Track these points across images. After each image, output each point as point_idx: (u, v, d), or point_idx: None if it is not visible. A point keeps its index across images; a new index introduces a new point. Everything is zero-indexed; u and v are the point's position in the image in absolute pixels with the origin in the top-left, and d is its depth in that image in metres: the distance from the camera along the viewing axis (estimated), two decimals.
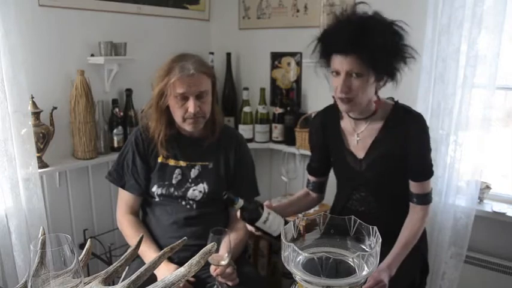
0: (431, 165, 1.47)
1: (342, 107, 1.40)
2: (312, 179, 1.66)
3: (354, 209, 1.54)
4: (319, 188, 1.66)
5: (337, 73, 1.35)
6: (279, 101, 2.47)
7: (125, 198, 1.62)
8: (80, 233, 2.13)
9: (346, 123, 1.52)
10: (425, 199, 1.46)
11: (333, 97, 1.44)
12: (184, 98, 1.46)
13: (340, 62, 1.32)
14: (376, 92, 1.42)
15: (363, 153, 1.48)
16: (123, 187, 1.60)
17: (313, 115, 1.68)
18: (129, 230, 1.58)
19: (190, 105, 1.45)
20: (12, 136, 1.69)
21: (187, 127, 1.51)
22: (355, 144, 1.49)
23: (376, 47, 1.28)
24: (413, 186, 1.46)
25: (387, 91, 1.48)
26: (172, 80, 1.45)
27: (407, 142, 1.42)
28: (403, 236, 1.43)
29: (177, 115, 1.50)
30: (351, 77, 1.32)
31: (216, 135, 1.58)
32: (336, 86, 1.36)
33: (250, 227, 1.36)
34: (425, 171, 1.46)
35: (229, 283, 1.39)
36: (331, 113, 1.56)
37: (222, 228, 1.35)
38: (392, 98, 1.51)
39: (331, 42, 1.35)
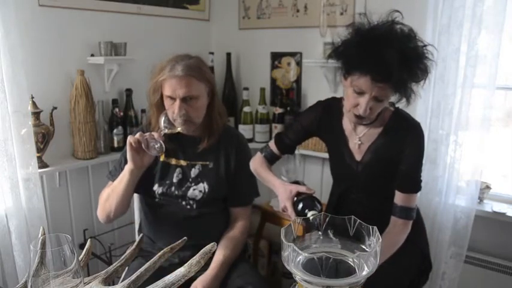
0: (421, 180, 1.45)
1: (352, 119, 1.39)
2: (274, 149, 1.62)
3: (351, 209, 1.54)
4: (273, 160, 1.64)
5: (361, 93, 1.30)
6: (279, 101, 2.47)
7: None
8: (80, 233, 2.13)
9: (346, 123, 1.52)
10: (408, 213, 1.42)
11: (340, 99, 1.44)
12: (172, 99, 1.46)
13: (370, 86, 1.27)
14: None
15: (360, 156, 1.49)
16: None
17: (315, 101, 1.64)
18: (105, 191, 1.57)
19: (176, 108, 1.45)
20: (12, 136, 1.69)
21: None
22: (355, 146, 1.50)
23: (412, 78, 1.27)
24: (399, 198, 1.43)
25: None
26: (161, 79, 1.46)
27: (403, 149, 1.41)
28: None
29: (168, 114, 1.50)
30: (374, 101, 1.30)
31: (213, 139, 1.57)
32: (354, 103, 1.33)
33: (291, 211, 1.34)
34: (413, 183, 1.43)
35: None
36: (334, 109, 1.55)
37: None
38: (393, 104, 1.49)
39: (365, 63, 1.26)
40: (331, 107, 1.56)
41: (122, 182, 1.46)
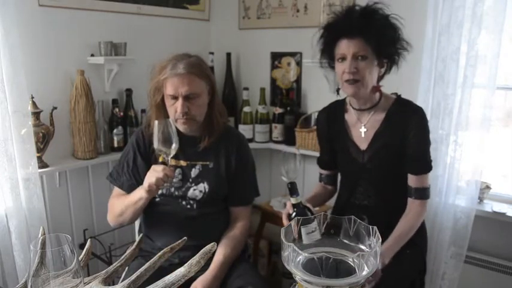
0: (430, 160, 1.50)
1: (349, 89, 1.44)
2: (324, 172, 1.72)
3: (358, 203, 1.56)
4: (332, 180, 1.71)
5: (343, 58, 1.41)
6: (279, 101, 2.47)
7: (119, 194, 1.61)
8: (80, 233, 2.13)
9: (350, 115, 1.56)
10: (423, 193, 1.48)
11: (337, 90, 1.51)
12: (175, 97, 1.47)
13: (346, 46, 1.39)
14: (378, 81, 1.47)
15: (366, 144, 1.52)
16: (120, 187, 1.59)
17: (316, 113, 1.73)
18: (115, 201, 1.58)
19: (178, 106, 1.46)
20: (12, 136, 1.69)
21: (179, 127, 1.51)
22: (360, 135, 1.53)
23: (379, 31, 1.37)
24: (412, 180, 1.48)
25: (390, 87, 1.49)
26: (162, 78, 1.46)
27: (407, 133, 1.46)
28: (398, 229, 1.44)
29: (170, 114, 1.50)
30: (356, 60, 1.39)
31: (213, 137, 1.56)
32: (342, 71, 1.42)
33: (287, 222, 1.29)
34: (424, 164, 1.48)
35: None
36: (336, 107, 1.62)
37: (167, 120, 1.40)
38: (396, 93, 1.56)
39: (337, 28, 1.43)
40: (333, 107, 1.63)
41: (137, 204, 1.48)
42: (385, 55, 1.42)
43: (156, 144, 1.39)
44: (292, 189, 1.28)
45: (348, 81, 1.41)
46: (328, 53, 1.48)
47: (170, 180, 1.39)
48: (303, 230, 1.17)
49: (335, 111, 1.61)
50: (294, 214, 1.28)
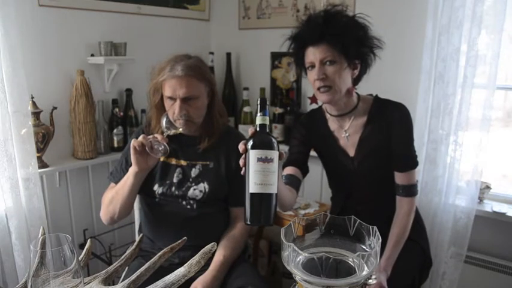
0: (416, 156, 1.49)
1: (323, 97, 1.41)
2: (289, 170, 1.50)
3: (353, 208, 1.55)
4: (296, 183, 1.48)
5: (312, 66, 1.40)
6: (279, 101, 2.47)
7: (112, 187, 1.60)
8: (80, 233, 2.13)
9: (332, 124, 1.54)
10: (411, 190, 1.47)
11: (310, 98, 1.46)
12: (173, 99, 1.47)
13: (313, 53, 1.38)
14: (354, 84, 1.45)
15: (353, 150, 1.50)
16: (116, 183, 1.57)
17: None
18: (107, 194, 1.56)
19: (176, 108, 1.45)
20: (12, 136, 1.69)
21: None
22: (345, 141, 1.51)
23: (342, 33, 1.35)
24: (399, 177, 1.48)
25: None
26: (161, 80, 1.46)
27: (391, 131, 1.45)
28: (393, 235, 1.44)
29: (169, 114, 1.50)
30: (325, 65, 1.37)
31: (213, 138, 1.56)
32: (313, 79, 1.40)
33: (241, 160, 1.08)
34: (409, 160, 1.47)
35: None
36: (317, 116, 1.58)
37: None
38: (371, 94, 1.54)
39: (302, 37, 1.41)
40: (313, 116, 1.60)
41: (126, 185, 1.46)
42: (354, 56, 1.39)
43: (163, 123, 1.42)
44: (262, 105, 1.04)
45: (319, 89, 1.39)
46: (300, 63, 1.46)
47: (156, 143, 1.36)
48: (253, 152, 1.00)
49: (316, 120, 1.57)
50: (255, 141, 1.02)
